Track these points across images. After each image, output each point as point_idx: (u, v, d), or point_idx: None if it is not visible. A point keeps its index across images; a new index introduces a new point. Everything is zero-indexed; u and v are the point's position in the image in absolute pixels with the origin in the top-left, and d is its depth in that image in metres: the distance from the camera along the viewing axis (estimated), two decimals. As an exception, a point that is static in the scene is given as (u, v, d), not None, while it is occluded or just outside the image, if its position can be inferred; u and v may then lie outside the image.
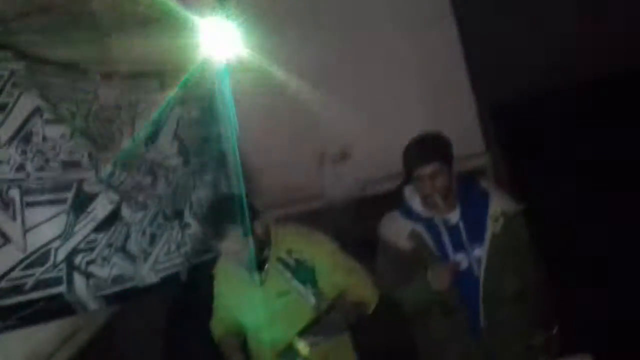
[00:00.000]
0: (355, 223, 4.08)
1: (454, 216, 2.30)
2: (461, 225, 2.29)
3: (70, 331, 2.85)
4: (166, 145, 3.19)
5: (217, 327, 2.59)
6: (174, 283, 3.01)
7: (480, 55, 3.89)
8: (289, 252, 2.41)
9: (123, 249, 2.78)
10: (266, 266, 2.40)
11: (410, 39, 3.81)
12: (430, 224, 2.31)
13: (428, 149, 2.25)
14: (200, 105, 3.49)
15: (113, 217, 2.72)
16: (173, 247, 3.07)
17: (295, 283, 2.40)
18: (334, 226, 4.20)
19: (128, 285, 2.80)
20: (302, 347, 2.22)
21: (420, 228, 2.31)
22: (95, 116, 2.84)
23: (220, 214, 2.35)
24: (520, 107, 5.11)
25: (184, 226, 3.16)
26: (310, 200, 4.11)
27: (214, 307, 2.61)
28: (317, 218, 3.84)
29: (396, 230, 2.36)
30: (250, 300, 2.45)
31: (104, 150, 2.76)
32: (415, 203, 2.34)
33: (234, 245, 2.29)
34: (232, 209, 2.29)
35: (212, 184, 3.33)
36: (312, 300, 2.41)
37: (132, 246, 2.82)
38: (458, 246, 2.29)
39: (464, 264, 2.28)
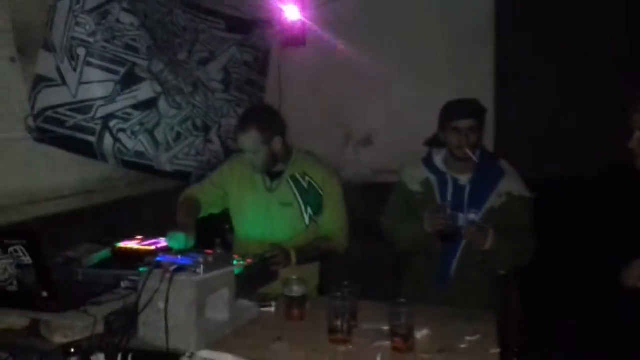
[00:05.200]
0: (359, 204, 4.50)
1: (465, 179, 2.56)
2: (468, 188, 2.54)
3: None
4: (214, 72, 3.76)
5: (196, 190, 2.83)
6: (183, 179, 3.51)
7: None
8: (304, 174, 2.71)
9: (151, 133, 3.30)
10: (280, 177, 2.71)
11: (450, 55, 4.26)
12: (442, 178, 2.58)
13: (469, 106, 2.56)
14: (255, 54, 4.07)
15: (151, 103, 3.26)
16: (193, 152, 3.58)
17: (300, 200, 2.69)
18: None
19: (146, 162, 3.31)
20: None
21: (433, 178, 2.60)
22: (164, 25, 3.44)
23: (250, 114, 2.72)
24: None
25: (208, 141, 3.69)
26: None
27: (209, 176, 2.89)
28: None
29: (413, 174, 2.67)
30: (251, 199, 2.75)
31: (161, 51, 3.33)
32: (437, 158, 2.65)
33: (251, 144, 2.57)
34: (261, 116, 2.63)
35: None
36: (307, 220, 2.71)
37: (160, 134, 3.35)
38: (458, 205, 2.51)
39: (458, 222, 2.49)
